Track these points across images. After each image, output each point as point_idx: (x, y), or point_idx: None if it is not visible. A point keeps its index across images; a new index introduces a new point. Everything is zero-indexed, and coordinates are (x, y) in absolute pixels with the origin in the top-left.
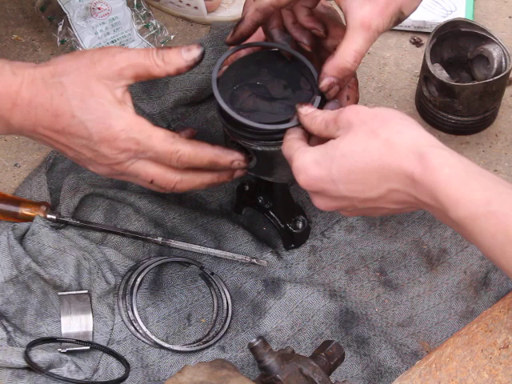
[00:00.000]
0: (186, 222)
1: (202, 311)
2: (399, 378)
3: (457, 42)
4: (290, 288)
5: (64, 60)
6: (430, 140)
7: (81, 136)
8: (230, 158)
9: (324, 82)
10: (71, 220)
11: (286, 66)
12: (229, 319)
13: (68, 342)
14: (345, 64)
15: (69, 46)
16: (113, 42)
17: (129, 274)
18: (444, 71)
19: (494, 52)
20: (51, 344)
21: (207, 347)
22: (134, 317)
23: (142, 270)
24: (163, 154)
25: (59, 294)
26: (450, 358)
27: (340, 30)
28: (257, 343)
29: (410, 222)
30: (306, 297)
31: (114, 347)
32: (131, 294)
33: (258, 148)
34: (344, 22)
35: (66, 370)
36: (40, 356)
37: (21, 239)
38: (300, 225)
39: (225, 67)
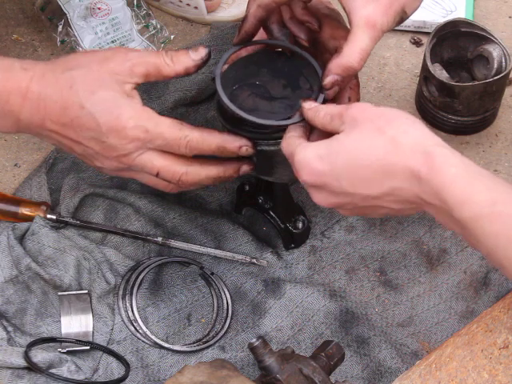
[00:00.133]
0: (185, 222)
1: (202, 311)
2: (399, 378)
3: (457, 42)
4: (290, 288)
5: (76, 56)
6: (435, 139)
7: (89, 127)
8: (238, 143)
9: (328, 79)
10: (71, 220)
11: (285, 66)
12: (229, 319)
13: (68, 341)
14: (350, 62)
15: (69, 46)
16: (113, 42)
17: (129, 274)
18: (444, 71)
19: (494, 52)
20: (51, 344)
21: (207, 347)
22: (134, 317)
23: (142, 270)
24: (172, 141)
25: (59, 294)
26: (450, 358)
27: (342, 32)
28: (257, 343)
29: (410, 222)
30: (306, 297)
31: (114, 347)
32: (131, 293)
33: (258, 147)
34: (347, 23)
35: (65, 370)
36: (40, 356)
37: (21, 239)
38: (300, 225)
39: (225, 66)
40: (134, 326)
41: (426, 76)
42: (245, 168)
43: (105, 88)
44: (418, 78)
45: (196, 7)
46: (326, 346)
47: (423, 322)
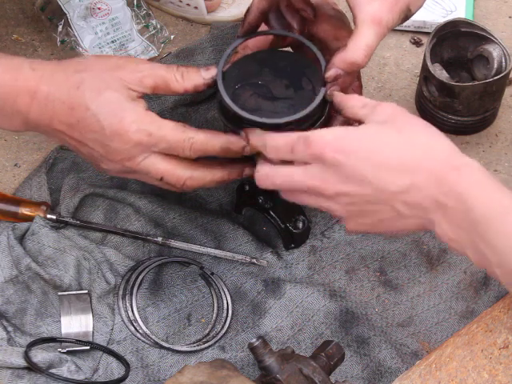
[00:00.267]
0: (185, 222)
1: (202, 311)
2: (399, 378)
3: (457, 42)
4: (290, 288)
5: (89, 59)
6: (457, 149)
7: (93, 130)
8: (243, 142)
9: (330, 73)
10: (71, 220)
11: (287, 66)
12: (229, 319)
13: (68, 341)
14: (355, 58)
15: (69, 46)
16: (113, 41)
17: (129, 274)
18: (444, 71)
19: (494, 52)
20: (51, 344)
21: (207, 347)
22: (134, 317)
23: (142, 270)
24: (175, 143)
25: (59, 294)
26: (450, 358)
27: (345, 32)
28: (257, 343)
29: None
30: (306, 297)
31: (114, 347)
32: (131, 293)
33: None
34: (351, 25)
35: (65, 370)
36: (40, 356)
37: (21, 239)
38: (300, 225)
39: (227, 65)
40: (134, 326)
41: (425, 76)
42: (248, 170)
43: (111, 90)
44: (417, 78)
45: (196, 7)
46: (326, 346)
47: (423, 322)
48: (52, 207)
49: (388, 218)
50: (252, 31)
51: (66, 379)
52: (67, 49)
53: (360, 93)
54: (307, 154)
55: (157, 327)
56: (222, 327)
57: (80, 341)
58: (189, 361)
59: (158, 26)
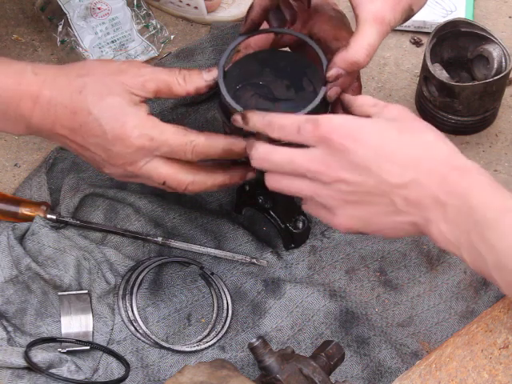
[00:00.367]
0: (185, 222)
1: (202, 311)
2: (399, 378)
3: (457, 42)
4: (290, 288)
5: (91, 64)
6: (458, 151)
7: (95, 134)
8: (244, 143)
9: (331, 72)
10: (71, 220)
11: (288, 66)
12: (229, 319)
13: (68, 341)
14: (356, 58)
15: (69, 46)
16: (113, 41)
17: (129, 274)
18: (444, 71)
19: (494, 52)
20: (51, 344)
21: (207, 347)
22: (134, 317)
23: (142, 270)
24: (177, 147)
25: (59, 294)
26: (450, 358)
27: (345, 33)
28: (257, 343)
29: None
30: (306, 297)
31: (114, 347)
32: (131, 293)
33: None
34: (352, 26)
35: (66, 370)
36: (40, 356)
37: (21, 239)
38: (300, 225)
39: (229, 65)
40: (134, 326)
41: (426, 76)
42: (250, 174)
43: (113, 95)
44: (417, 78)
45: (196, 7)
46: (326, 346)
47: (423, 322)
48: (52, 207)
49: (383, 212)
50: (254, 29)
51: (65, 379)
52: (67, 49)
53: (359, 93)
54: (314, 135)
55: (157, 327)
56: (222, 327)
57: (80, 341)
58: (189, 361)
59: (158, 26)
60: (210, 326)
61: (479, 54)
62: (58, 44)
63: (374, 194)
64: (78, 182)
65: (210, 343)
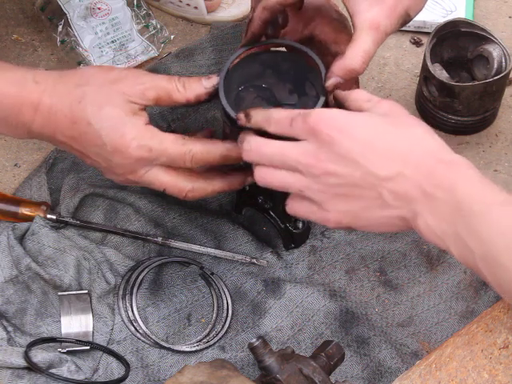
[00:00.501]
0: (185, 222)
1: (202, 311)
2: (399, 378)
3: (457, 42)
4: (290, 288)
5: (91, 72)
6: (447, 146)
7: (95, 144)
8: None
9: (330, 82)
10: (71, 220)
11: (291, 68)
12: (229, 319)
13: (68, 341)
14: (353, 65)
15: (69, 46)
16: (113, 41)
17: (129, 274)
18: (444, 71)
19: (494, 52)
20: (51, 344)
21: (207, 347)
22: (134, 317)
23: (142, 270)
24: (176, 156)
25: (59, 294)
26: (450, 358)
27: (345, 36)
28: (257, 343)
29: None
30: (306, 297)
31: (114, 347)
32: (131, 293)
33: None
34: (351, 29)
35: (66, 370)
36: (40, 356)
37: (21, 239)
38: (300, 225)
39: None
40: (134, 326)
41: (426, 76)
42: (250, 179)
43: (112, 105)
44: (418, 78)
45: (196, 7)
46: (326, 346)
47: (423, 322)
48: (52, 207)
49: (372, 206)
50: (255, 40)
51: (65, 379)
52: (67, 49)
53: None
54: (304, 127)
55: (157, 327)
56: (222, 327)
57: (80, 341)
58: (189, 361)
59: (158, 26)
60: (210, 326)
61: (479, 54)
62: (58, 44)
63: (362, 187)
64: (78, 182)
65: (209, 343)
